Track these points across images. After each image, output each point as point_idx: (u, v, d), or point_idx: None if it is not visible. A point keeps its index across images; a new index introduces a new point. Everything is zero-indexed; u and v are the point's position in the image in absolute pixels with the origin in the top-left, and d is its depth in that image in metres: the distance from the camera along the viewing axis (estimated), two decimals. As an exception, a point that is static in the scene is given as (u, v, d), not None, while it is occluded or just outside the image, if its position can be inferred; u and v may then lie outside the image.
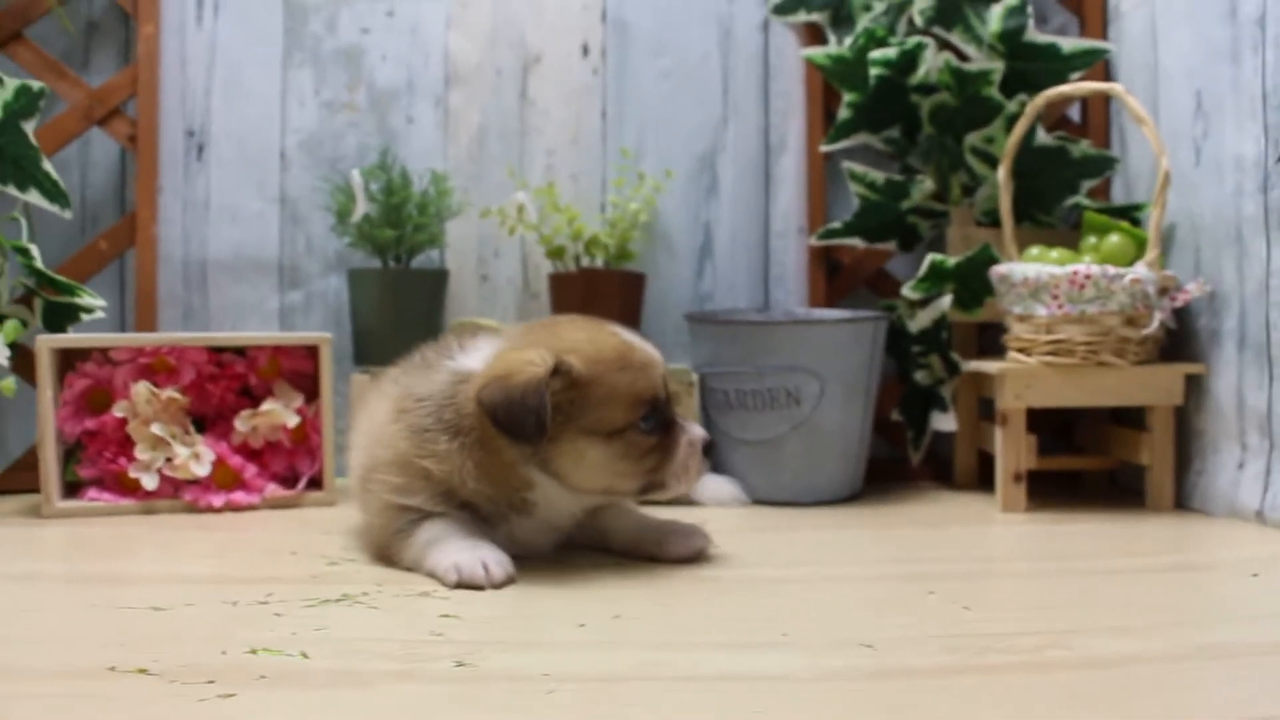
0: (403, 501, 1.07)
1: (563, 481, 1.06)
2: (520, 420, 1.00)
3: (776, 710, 0.70)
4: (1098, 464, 1.56)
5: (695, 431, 1.09)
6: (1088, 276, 1.36)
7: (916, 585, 1.04)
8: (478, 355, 1.08)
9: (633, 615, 0.92)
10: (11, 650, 0.82)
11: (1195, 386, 1.43)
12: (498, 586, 1.00)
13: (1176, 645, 0.84)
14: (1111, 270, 1.36)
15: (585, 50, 1.73)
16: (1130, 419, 1.54)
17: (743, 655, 0.81)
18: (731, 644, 0.84)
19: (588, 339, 1.06)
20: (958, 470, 1.64)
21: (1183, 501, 1.45)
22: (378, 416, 1.13)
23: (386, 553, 1.09)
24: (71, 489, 1.42)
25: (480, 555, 1.01)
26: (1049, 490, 1.56)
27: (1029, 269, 1.40)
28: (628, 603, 0.96)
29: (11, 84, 1.45)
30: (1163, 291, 1.39)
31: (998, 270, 1.45)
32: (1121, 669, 0.78)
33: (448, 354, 1.11)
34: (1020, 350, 1.43)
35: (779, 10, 1.70)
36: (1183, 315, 1.46)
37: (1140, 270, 1.36)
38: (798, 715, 0.69)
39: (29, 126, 1.47)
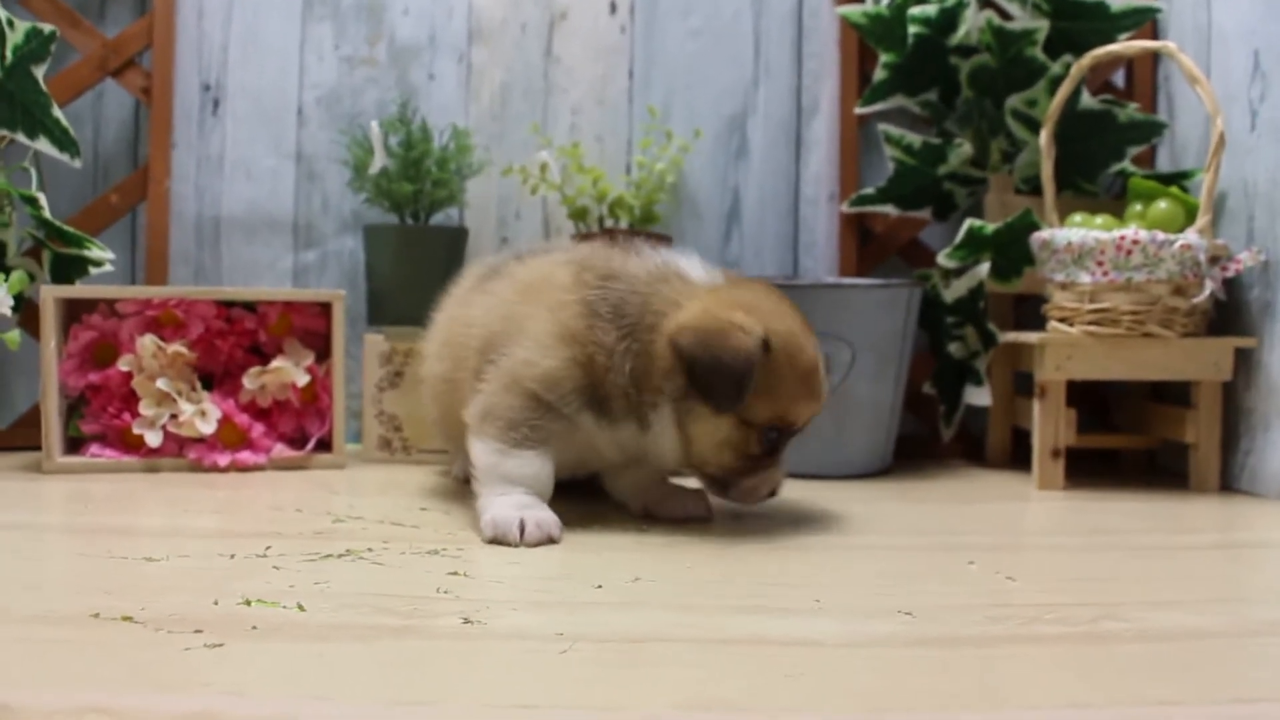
0: (547, 396, 1.00)
1: (678, 430, 1.02)
2: (720, 383, 0.98)
3: (811, 675, 0.64)
4: (1139, 442, 1.49)
5: (780, 475, 1.07)
6: (1135, 242, 1.30)
7: (955, 556, 0.98)
8: (697, 270, 1.06)
9: (652, 577, 0.87)
10: (-7, 595, 0.77)
11: (1245, 361, 1.36)
12: (529, 546, 0.97)
13: (1238, 621, 0.78)
14: (1160, 236, 1.29)
15: (613, 7, 1.67)
16: (1171, 395, 1.48)
17: (772, 620, 0.76)
18: (760, 608, 0.79)
19: (783, 323, 1.03)
20: (990, 447, 1.58)
21: (1229, 482, 1.38)
22: (521, 288, 1.07)
23: (482, 434, 1.02)
24: (74, 445, 1.38)
25: (523, 515, 0.98)
26: (1086, 469, 1.49)
27: (1073, 234, 1.33)
28: (647, 566, 0.91)
29: (22, 26, 1.41)
30: (1213, 260, 1.32)
31: (1039, 236, 1.39)
32: (1183, 643, 0.72)
33: (659, 251, 1.07)
34: (1062, 320, 1.36)
35: (814, -32, 1.63)
36: (1233, 286, 1.39)
37: (1191, 236, 1.29)
38: (834, 681, 0.63)
39: (39, 72, 1.43)
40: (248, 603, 0.76)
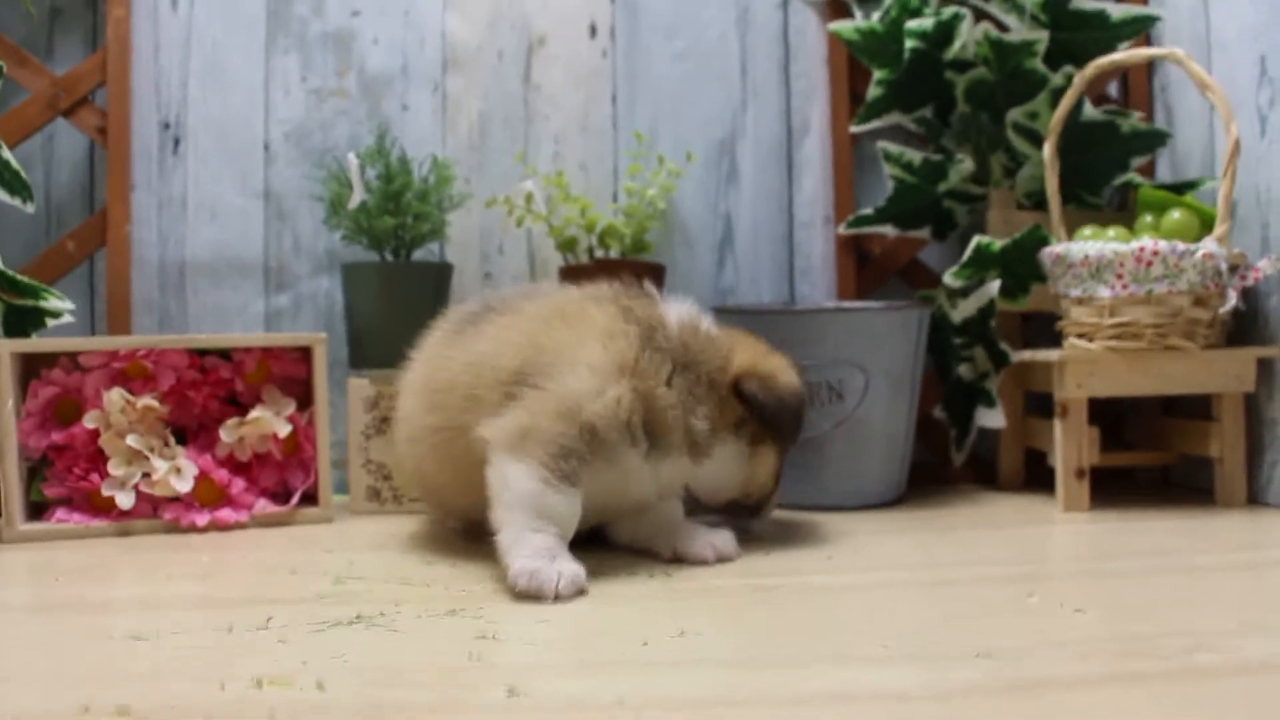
0: (605, 429, 0.96)
1: (745, 464, 1.08)
2: (790, 421, 1.08)
3: (914, 737, 0.57)
4: (1160, 458, 1.44)
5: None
6: (1155, 253, 1.25)
7: (1006, 587, 0.92)
8: (685, 309, 1.09)
9: (697, 630, 0.79)
10: (-36, 690, 0.68)
11: (1267, 372, 1.32)
12: (560, 600, 0.89)
13: (1343, 648, 0.72)
14: (1180, 246, 1.25)
15: (593, 30, 1.61)
16: (1186, 410, 1.43)
17: (845, 671, 0.69)
18: (825, 658, 0.71)
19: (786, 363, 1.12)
20: (1003, 470, 1.52)
21: (1256, 496, 1.33)
22: (548, 317, 1.04)
23: (523, 456, 0.93)
24: (38, 510, 1.27)
25: (558, 567, 0.90)
26: (1101, 489, 1.44)
27: (1089, 247, 1.29)
28: (687, 617, 0.83)
29: (-33, 64, 1.32)
30: (1232, 269, 1.28)
31: (1052, 251, 1.34)
32: (1296, 675, 0.66)
33: (656, 296, 1.10)
34: (1080, 336, 1.31)
35: (798, -14, 1.59)
36: (1251, 296, 1.35)
37: (1211, 245, 1.25)
38: (942, 742, 0.56)
39: (-13, 112, 1.34)
40: (259, 685, 0.67)
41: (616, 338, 1.00)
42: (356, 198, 1.38)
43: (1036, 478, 1.49)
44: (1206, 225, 1.32)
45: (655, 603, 0.88)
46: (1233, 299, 1.26)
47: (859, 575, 0.99)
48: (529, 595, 0.88)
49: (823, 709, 0.62)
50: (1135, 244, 1.26)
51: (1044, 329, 1.51)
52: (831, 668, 0.69)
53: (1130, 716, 0.60)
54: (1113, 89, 1.62)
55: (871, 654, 0.72)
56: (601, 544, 1.11)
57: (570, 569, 0.90)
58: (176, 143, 1.58)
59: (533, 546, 0.91)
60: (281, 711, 0.62)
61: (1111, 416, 1.54)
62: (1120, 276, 1.27)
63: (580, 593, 0.90)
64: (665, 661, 0.71)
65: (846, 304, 1.49)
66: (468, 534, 1.15)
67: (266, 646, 0.76)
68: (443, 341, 1.12)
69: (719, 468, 1.06)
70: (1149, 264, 1.26)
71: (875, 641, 0.75)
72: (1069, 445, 1.31)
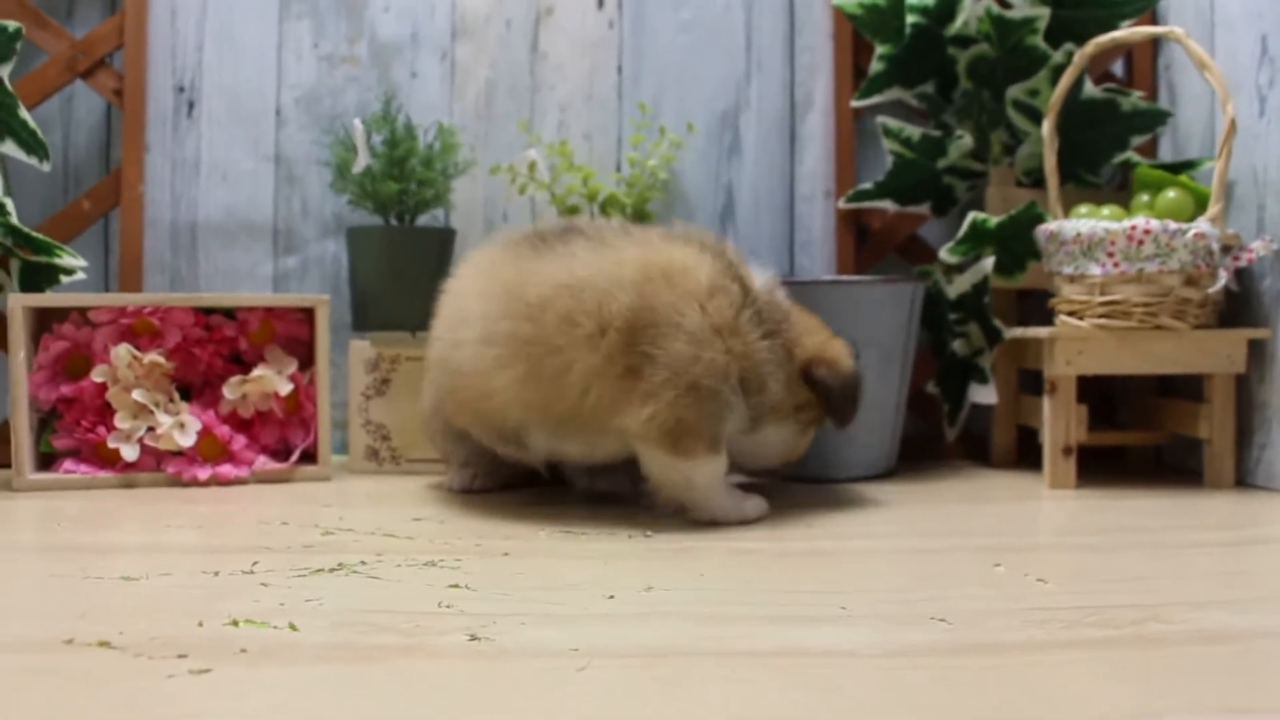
0: (720, 387, 1.03)
1: (795, 439, 1.15)
2: (851, 407, 1.14)
3: (851, 688, 0.59)
4: (1151, 438, 1.45)
5: None
6: (1146, 231, 1.26)
7: (977, 558, 0.94)
8: (766, 275, 1.14)
9: (666, 587, 0.82)
10: (-42, 621, 0.71)
11: (1258, 353, 1.32)
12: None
13: (1289, 619, 0.74)
14: (1173, 225, 1.26)
15: (600, 1, 1.62)
16: (1178, 390, 1.44)
17: (799, 629, 0.71)
18: (783, 617, 0.74)
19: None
20: (995, 447, 1.53)
21: (1245, 478, 1.34)
22: (648, 271, 1.05)
23: (691, 454, 1.03)
24: (47, 461, 1.31)
25: (753, 502, 1.10)
26: (1094, 468, 1.45)
27: (1081, 225, 1.30)
28: (659, 574, 0.86)
29: (-16, 25, 1.35)
30: (1225, 250, 1.28)
31: (1046, 228, 1.35)
32: (1236, 644, 0.68)
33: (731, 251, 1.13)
34: (1071, 313, 1.32)
35: (805, -41, 1.59)
36: (1244, 277, 1.36)
37: (1203, 225, 1.26)
38: (878, 694, 0.59)
39: (4, 71, 1.37)
40: (235, 623, 0.70)
41: (717, 294, 1.04)
42: (361, 162, 1.40)
43: (1029, 455, 1.51)
44: (1202, 205, 1.32)
45: (631, 561, 0.91)
46: (1223, 279, 1.26)
47: (836, 542, 1.01)
48: (753, 521, 1.08)
49: (770, 662, 0.64)
50: (1127, 222, 1.27)
51: (1040, 306, 1.52)
52: (789, 626, 0.72)
53: (1067, 680, 0.62)
54: (1118, 68, 1.61)
55: (831, 614, 0.75)
56: (595, 502, 1.13)
57: (755, 499, 1.10)
58: (191, 106, 1.61)
59: (729, 497, 1.09)
60: (252, 647, 0.65)
61: (1105, 396, 1.55)
62: (1111, 255, 1.28)
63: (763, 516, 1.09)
64: (628, 614, 0.74)
65: (837, 277, 1.51)
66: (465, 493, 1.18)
67: (248, 590, 0.79)
68: (523, 255, 1.10)
69: (773, 439, 1.13)
70: (1140, 243, 1.26)
71: (837, 603, 0.78)
72: (1057, 423, 1.32)
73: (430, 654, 0.65)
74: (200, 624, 0.70)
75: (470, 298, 1.12)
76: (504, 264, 1.11)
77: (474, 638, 0.68)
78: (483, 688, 0.59)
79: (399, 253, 1.44)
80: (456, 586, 0.81)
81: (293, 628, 0.69)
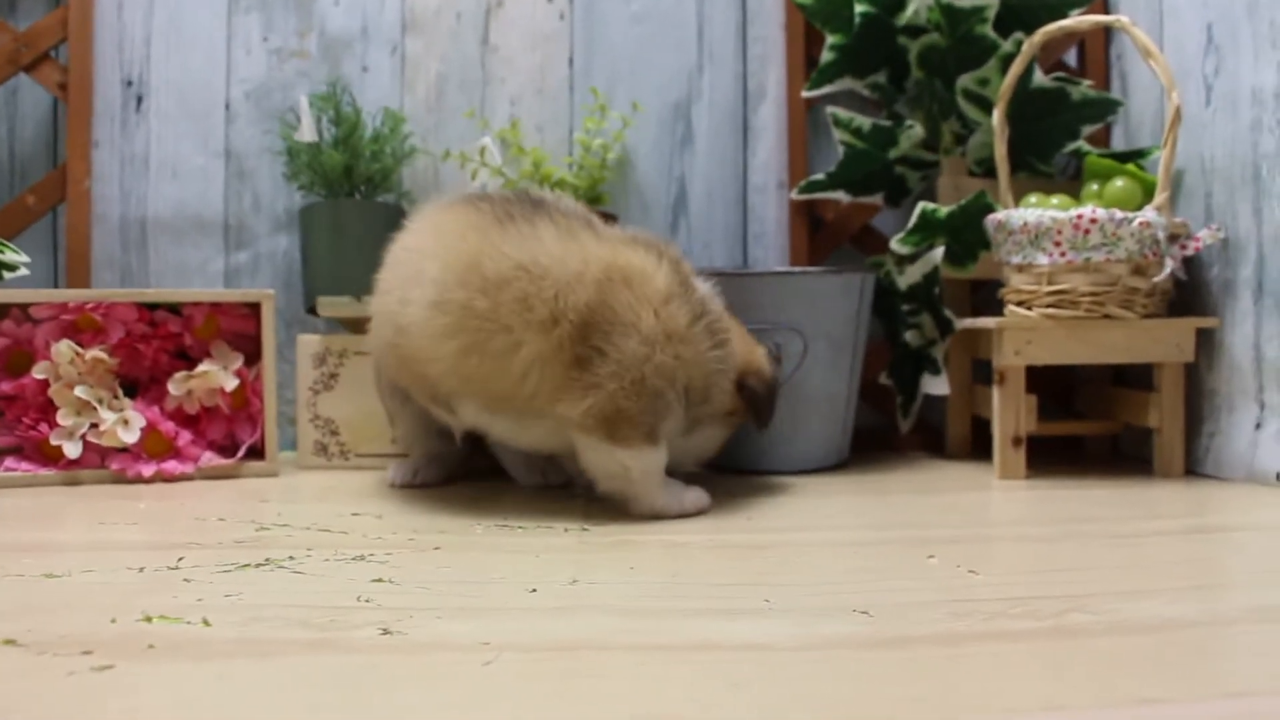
0: (667, 390, 1.05)
1: (717, 442, 1.20)
2: (772, 413, 1.18)
3: (760, 682, 0.59)
4: (1101, 429, 1.45)
5: None
6: (1093, 221, 1.26)
7: (914, 550, 0.93)
8: (706, 285, 1.14)
9: (591, 580, 0.81)
10: None
11: (1207, 342, 1.33)
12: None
13: (1215, 609, 0.74)
14: (1119, 214, 1.26)
15: (551, -8, 1.62)
16: (1134, 380, 1.44)
17: (719, 622, 0.70)
18: (706, 611, 0.73)
19: None
20: (950, 438, 1.54)
21: (1194, 467, 1.35)
22: (607, 268, 1.06)
23: (628, 442, 1.04)
24: (-12, 459, 1.30)
25: (692, 494, 1.11)
26: (1050, 458, 1.46)
27: (1029, 214, 1.29)
28: (587, 568, 0.85)
29: (-79, 18, 1.33)
30: (1173, 238, 1.28)
31: (995, 218, 1.35)
32: (1158, 634, 0.68)
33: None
34: (1019, 304, 1.32)
35: (758, -51, 1.59)
36: (1192, 266, 1.36)
37: (1149, 213, 1.26)
38: (785, 688, 0.58)
39: (-58, 66, 1.35)
40: (148, 619, 0.69)
41: (673, 301, 1.06)
42: (305, 134, 1.40)
43: (984, 445, 1.51)
44: (1150, 194, 1.33)
45: (561, 554, 0.90)
46: (1169, 267, 1.26)
47: (773, 535, 1.01)
48: (693, 515, 1.09)
49: (683, 656, 0.63)
50: (1074, 211, 1.27)
51: (993, 297, 1.52)
52: (709, 620, 0.71)
53: (979, 672, 0.61)
54: (1071, 57, 1.61)
55: (753, 607, 0.74)
56: (535, 497, 1.13)
57: (696, 491, 1.11)
58: (139, 100, 1.59)
59: (668, 491, 1.09)
60: (161, 643, 0.64)
61: (1062, 385, 1.55)
62: (1059, 244, 1.28)
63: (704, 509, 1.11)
64: (547, 608, 0.73)
65: (783, 268, 1.51)
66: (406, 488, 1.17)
67: (169, 586, 0.78)
68: (488, 226, 1.08)
69: (701, 440, 1.16)
70: (1087, 232, 1.26)
71: (761, 596, 0.77)
72: (1006, 413, 1.32)
73: (339, 648, 0.64)
74: (113, 620, 0.69)
75: (427, 258, 1.08)
76: (468, 230, 1.08)
77: (386, 631, 0.67)
78: (383, 683, 0.58)
79: (351, 227, 1.42)
80: (380, 581, 0.80)
81: (205, 623, 0.68)
